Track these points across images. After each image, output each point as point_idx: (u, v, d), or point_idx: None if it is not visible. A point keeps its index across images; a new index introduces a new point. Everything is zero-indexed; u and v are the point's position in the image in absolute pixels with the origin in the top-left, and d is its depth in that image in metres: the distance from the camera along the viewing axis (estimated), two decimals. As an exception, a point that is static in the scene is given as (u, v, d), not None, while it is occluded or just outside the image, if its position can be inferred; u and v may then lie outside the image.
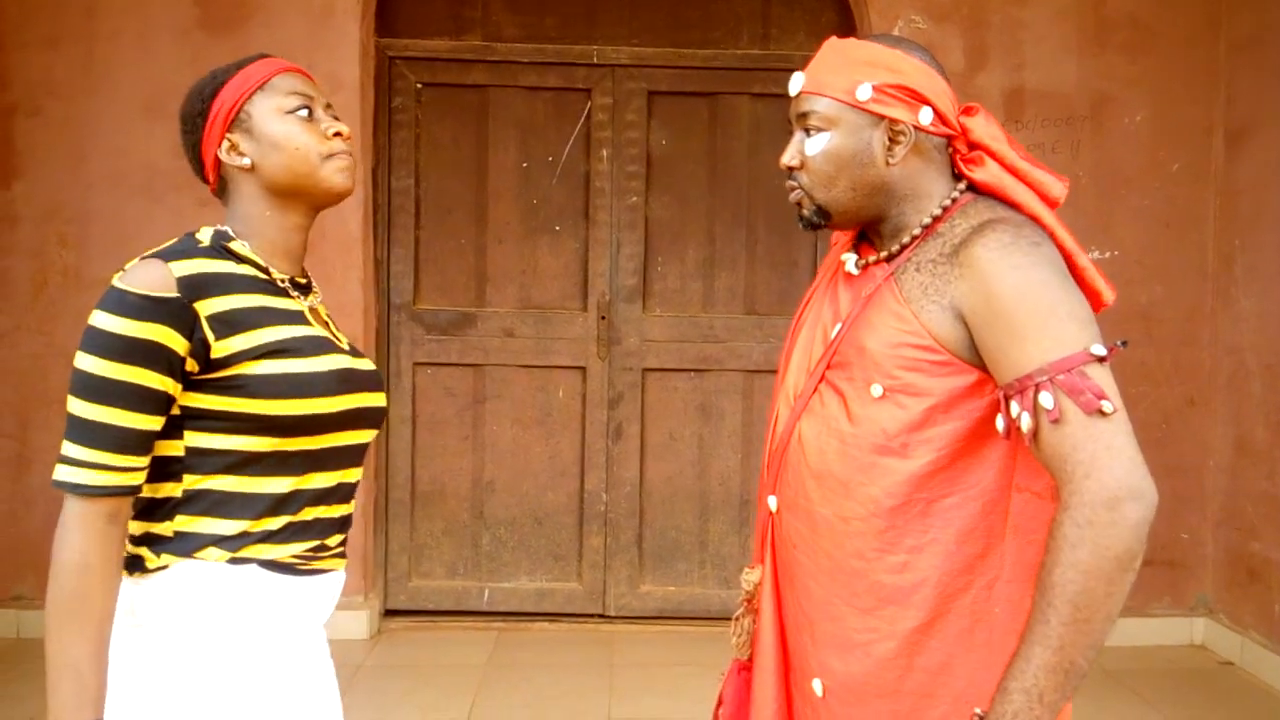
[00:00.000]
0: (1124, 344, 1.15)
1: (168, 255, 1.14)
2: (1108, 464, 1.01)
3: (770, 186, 3.78)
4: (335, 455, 1.22)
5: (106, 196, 3.49)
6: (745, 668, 1.37)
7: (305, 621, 1.23)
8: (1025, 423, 1.06)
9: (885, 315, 1.18)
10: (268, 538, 1.16)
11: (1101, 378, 1.05)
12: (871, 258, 1.26)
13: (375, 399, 1.29)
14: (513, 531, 3.78)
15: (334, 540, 1.24)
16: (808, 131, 1.22)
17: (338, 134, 1.23)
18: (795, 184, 1.25)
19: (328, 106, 1.27)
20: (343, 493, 1.25)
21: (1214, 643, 3.63)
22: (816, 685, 1.24)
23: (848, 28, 3.72)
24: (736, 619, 1.38)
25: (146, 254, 1.14)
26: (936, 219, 1.21)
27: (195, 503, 1.15)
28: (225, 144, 1.22)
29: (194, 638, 1.14)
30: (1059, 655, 1.01)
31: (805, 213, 1.26)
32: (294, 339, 1.17)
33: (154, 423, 1.11)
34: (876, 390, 1.16)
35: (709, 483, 3.82)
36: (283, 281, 1.23)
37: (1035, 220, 1.18)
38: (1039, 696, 1.01)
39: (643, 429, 3.79)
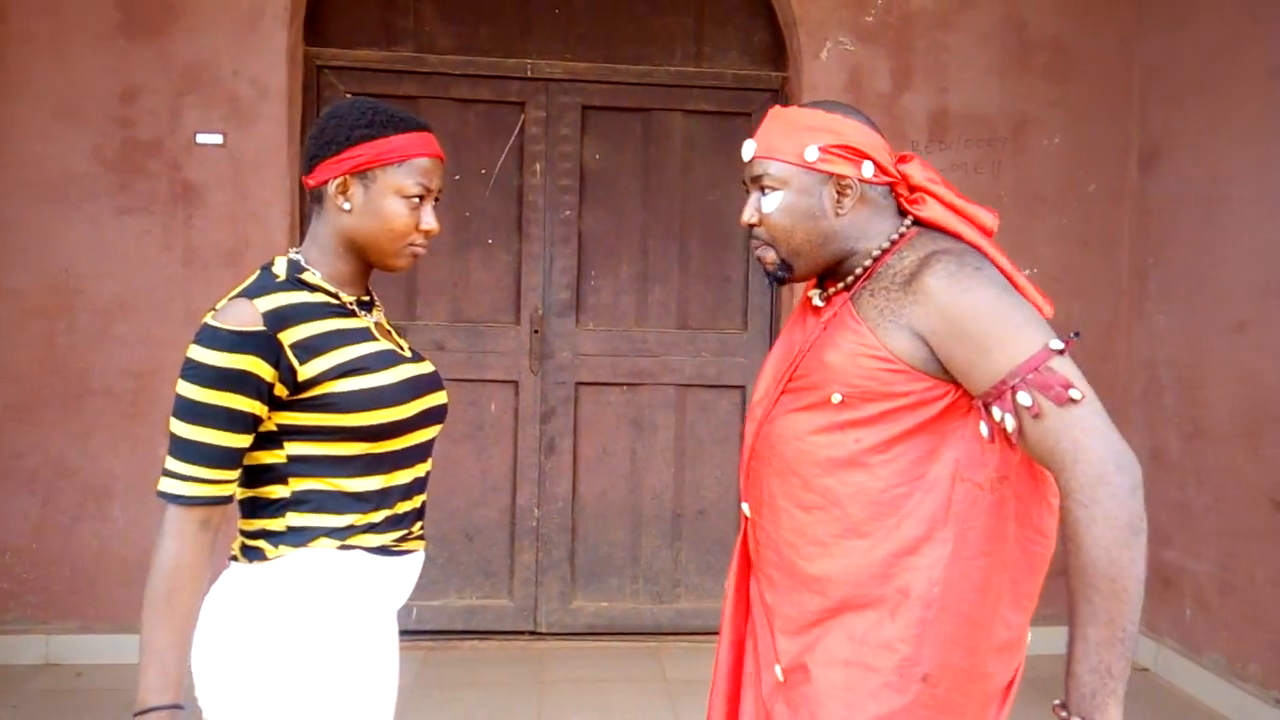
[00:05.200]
0: (1077, 335, 1.26)
1: (252, 293, 1.28)
2: (1088, 445, 1.12)
3: (703, 202, 3.81)
4: (412, 453, 1.39)
5: (23, 205, 3.36)
6: None
7: (397, 595, 1.41)
8: (1010, 424, 1.17)
9: (845, 334, 1.32)
10: (371, 529, 1.33)
11: (1065, 369, 1.16)
12: (831, 290, 1.41)
13: (439, 398, 1.45)
14: (442, 548, 3.72)
15: (417, 526, 1.42)
16: (763, 191, 1.37)
17: (428, 232, 1.37)
18: (759, 240, 1.40)
19: (438, 198, 1.39)
20: (420, 485, 1.42)
21: (1131, 649, 3.73)
22: (778, 670, 1.36)
23: (778, 48, 3.78)
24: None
25: (233, 293, 1.29)
26: (885, 251, 1.36)
27: (304, 503, 1.30)
28: (340, 181, 1.33)
29: (310, 613, 1.30)
30: (1110, 628, 1.10)
31: (770, 268, 1.40)
32: (365, 356, 1.32)
33: (243, 440, 1.26)
34: (836, 397, 1.31)
35: (642, 497, 3.82)
36: (350, 304, 1.38)
37: (975, 248, 1.31)
38: (1107, 670, 1.10)
39: (575, 443, 3.78)
